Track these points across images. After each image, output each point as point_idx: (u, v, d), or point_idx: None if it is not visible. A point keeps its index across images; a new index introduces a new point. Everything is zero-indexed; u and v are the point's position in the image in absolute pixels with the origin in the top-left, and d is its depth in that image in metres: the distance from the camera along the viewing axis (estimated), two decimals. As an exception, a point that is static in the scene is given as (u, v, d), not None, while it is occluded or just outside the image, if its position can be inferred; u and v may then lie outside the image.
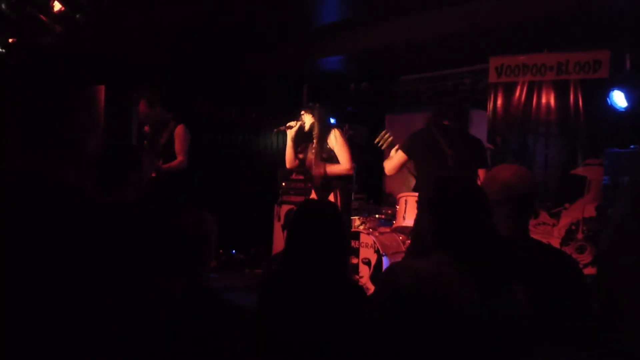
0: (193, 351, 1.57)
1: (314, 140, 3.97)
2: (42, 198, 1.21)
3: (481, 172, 3.53)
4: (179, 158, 4.26)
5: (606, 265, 1.70)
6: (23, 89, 1.32)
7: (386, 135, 3.86)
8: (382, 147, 3.88)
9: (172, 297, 1.60)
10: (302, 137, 4.06)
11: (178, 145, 4.28)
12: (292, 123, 4.03)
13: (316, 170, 3.91)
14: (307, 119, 3.98)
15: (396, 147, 3.68)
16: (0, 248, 1.16)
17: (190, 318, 1.59)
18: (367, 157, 6.28)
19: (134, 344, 1.47)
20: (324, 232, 1.89)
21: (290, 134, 4.04)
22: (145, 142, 4.39)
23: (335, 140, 3.94)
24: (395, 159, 3.62)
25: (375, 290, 1.54)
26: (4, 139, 1.29)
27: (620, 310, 1.58)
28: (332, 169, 3.90)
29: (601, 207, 4.14)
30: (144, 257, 1.58)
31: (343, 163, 3.90)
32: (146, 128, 4.46)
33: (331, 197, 3.94)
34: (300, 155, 4.10)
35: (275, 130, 4.17)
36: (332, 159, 3.92)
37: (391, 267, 1.57)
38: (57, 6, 3.64)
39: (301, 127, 4.00)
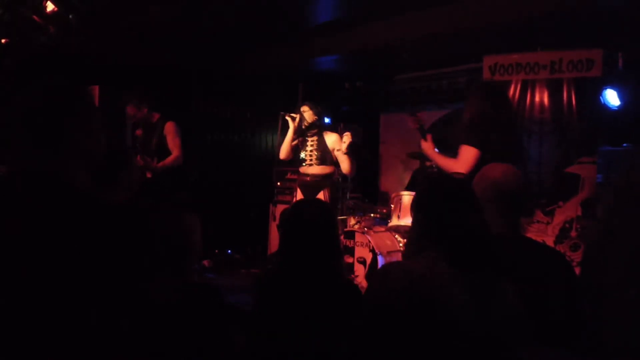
0: (189, 349, 1.58)
1: (309, 139, 4.03)
2: (54, 200, 1.21)
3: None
4: (174, 153, 4.26)
5: (593, 263, 1.71)
6: (37, 91, 1.32)
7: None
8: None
9: (164, 296, 1.60)
10: (300, 132, 4.13)
11: (171, 141, 4.28)
12: (294, 115, 4.11)
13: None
14: (308, 116, 4.04)
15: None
16: (9, 248, 1.17)
17: (183, 317, 1.59)
18: (362, 156, 6.28)
19: (127, 344, 1.47)
20: (318, 232, 1.90)
21: (292, 125, 4.11)
22: (138, 145, 4.40)
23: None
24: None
25: (367, 291, 1.54)
26: (17, 139, 1.30)
27: (608, 309, 1.59)
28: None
29: (586, 204, 4.17)
30: (138, 257, 1.59)
31: (344, 169, 3.99)
32: (138, 132, 4.47)
33: (320, 196, 3.99)
34: (294, 143, 4.19)
35: (281, 113, 4.25)
36: (326, 160, 3.95)
37: (383, 268, 1.57)
38: (50, 6, 3.62)
39: (300, 122, 4.09)
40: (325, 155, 3.98)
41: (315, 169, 4.25)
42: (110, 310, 1.23)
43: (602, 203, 3.00)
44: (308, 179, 4.23)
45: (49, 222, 1.18)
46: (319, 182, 4.04)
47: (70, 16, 3.67)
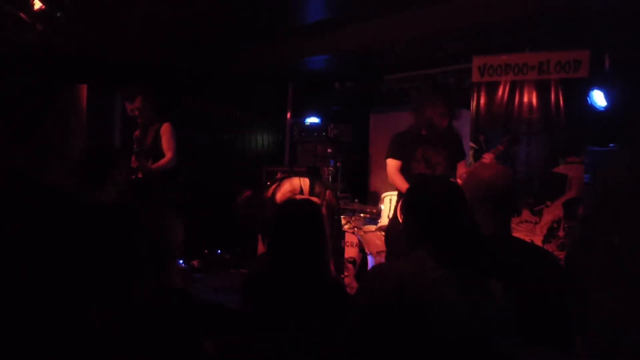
0: (159, 351, 1.56)
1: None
2: (26, 197, 1.20)
3: (460, 165, 3.64)
4: (168, 155, 4.23)
5: (576, 262, 1.73)
6: (8, 89, 1.31)
7: None
8: None
9: (137, 297, 1.58)
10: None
11: (165, 143, 4.25)
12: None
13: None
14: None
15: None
16: None
17: (154, 318, 1.58)
18: (352, 155, 6.30)
19: (103, 343, 1.45)
20: (304, 231, 1.90)
21: None
22: (135, 145, 4.33)
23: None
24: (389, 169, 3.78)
25: (358, 292, 1.54)
26: None
27: (589, 307, 1.60)
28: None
29: (568, 205, 4.22)
30: (121, 257, 1.57)
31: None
32: (136, 133, 4.41)
33: None
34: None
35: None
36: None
37: (374, 269, 1.58)
38: (37, 4, 3.59)
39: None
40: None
41: None
42: (89, 309, 1.22)
43: (585, 202, 3.05)
44: None
45: (25, 221, 1.17)
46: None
47: (58, 14, 3.63)
